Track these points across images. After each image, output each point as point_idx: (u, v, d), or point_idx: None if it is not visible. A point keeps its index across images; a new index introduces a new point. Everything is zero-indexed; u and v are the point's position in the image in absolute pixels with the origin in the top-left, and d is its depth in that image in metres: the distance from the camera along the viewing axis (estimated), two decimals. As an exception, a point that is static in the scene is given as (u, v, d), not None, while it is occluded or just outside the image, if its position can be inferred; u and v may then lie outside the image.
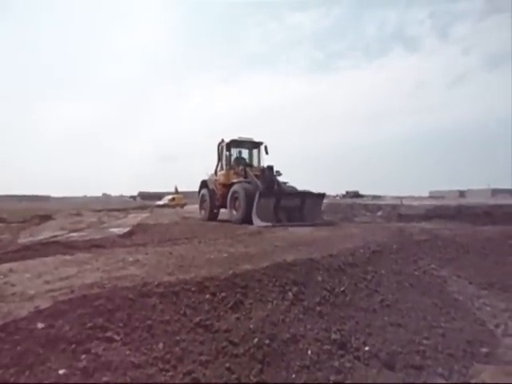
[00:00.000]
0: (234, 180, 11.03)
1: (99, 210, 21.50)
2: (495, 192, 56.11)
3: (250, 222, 9.10)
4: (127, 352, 2.23)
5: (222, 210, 12.09)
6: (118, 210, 22.28)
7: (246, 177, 11.01)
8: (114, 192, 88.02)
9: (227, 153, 12.20)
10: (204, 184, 13.00)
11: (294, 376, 2.47)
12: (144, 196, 71.34)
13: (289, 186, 11.17)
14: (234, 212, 10.52)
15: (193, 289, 3.02)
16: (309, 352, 2.72)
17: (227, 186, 11.27)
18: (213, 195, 12.18)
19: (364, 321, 3.36)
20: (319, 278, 3.78)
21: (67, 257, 4.55)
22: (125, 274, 3.37)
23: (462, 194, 59.95)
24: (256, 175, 10.79)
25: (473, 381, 2.98)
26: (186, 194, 37.07)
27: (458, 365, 3.11)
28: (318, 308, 3.31)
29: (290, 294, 3.36)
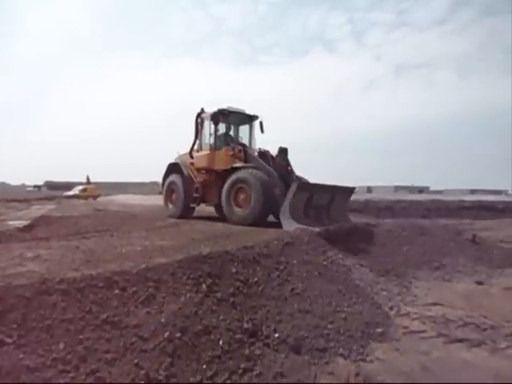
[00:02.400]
0: (236, 164, 8.27)
1: (-5, 201, 19.16)
2: (397, 188, 63.00)
3: (264, 224, 7.07)
4: (21, 355, 2.05)
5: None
6: (19, 201, 20.06)
7: (245, 161, 8.43)
8: (15, 181, 78.54)
9: (212, 127, 9.20)
10: (174, 168, 9.85)
11: (204, 366, 2.49)
12: (51, 186, 65.05)
13: (301, 177, 8.88)
14: (238, 209, 7.96)
15: (100, 284, 2.86)
16: (220, 342, 2.76)
17: (213, 172, 8.95)
18: (190, 184, 9.31)
19: (275, 309, 3.51)
20: (234, 270, 3.85)
21: (-49, 253, 4.01)
22: (22, 270, 3.09)
23: (369, 189, 65.69)
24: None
25: (368, 358, 3.29)
26: (100, 185, 34.92)
27: (356, 345, 3.41)
28: (232, 299, 3.38)
29: (203, 286, 3.37)
